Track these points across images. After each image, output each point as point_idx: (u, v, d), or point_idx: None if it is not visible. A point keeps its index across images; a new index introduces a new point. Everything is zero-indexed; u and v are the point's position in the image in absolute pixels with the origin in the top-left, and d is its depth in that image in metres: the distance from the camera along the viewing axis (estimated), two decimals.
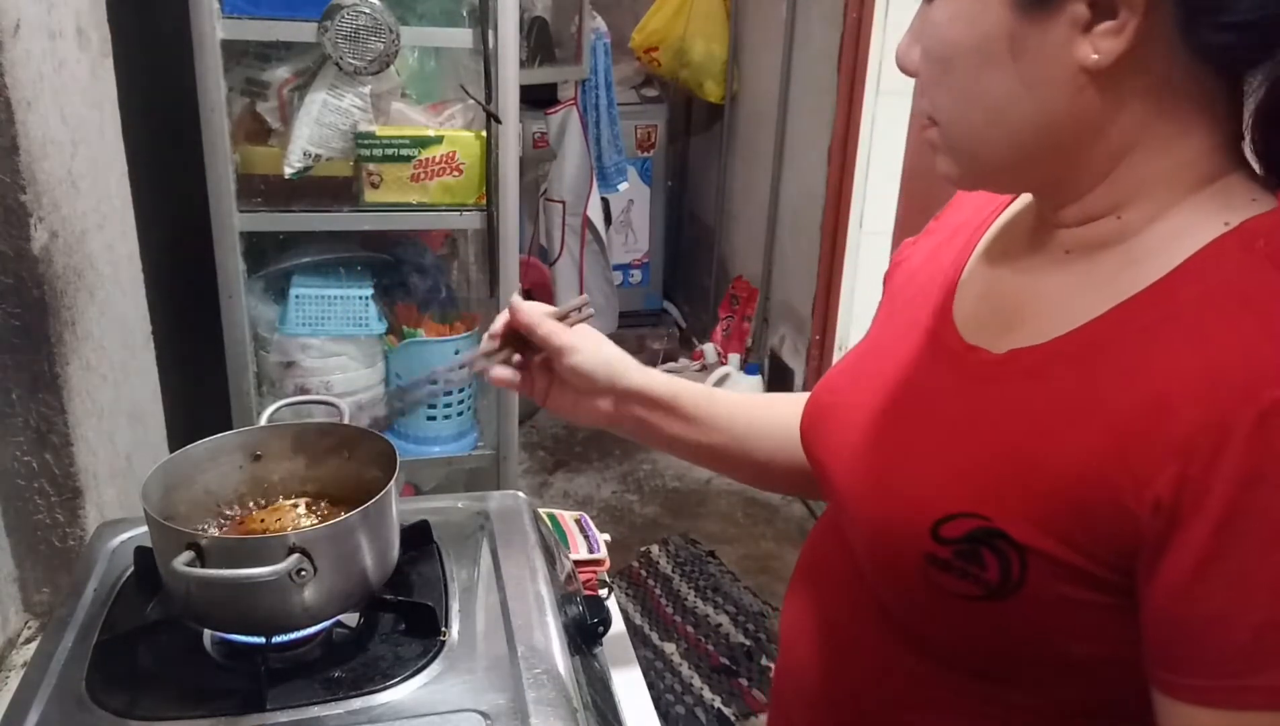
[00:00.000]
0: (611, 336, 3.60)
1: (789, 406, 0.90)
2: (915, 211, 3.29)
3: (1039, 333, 0.63)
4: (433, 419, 1.79)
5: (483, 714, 0.77)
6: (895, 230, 3.08)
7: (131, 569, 0.92)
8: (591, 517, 1.31)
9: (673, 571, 2.75)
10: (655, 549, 2.84)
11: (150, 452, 1.32)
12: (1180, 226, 0.59)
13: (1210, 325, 0.54)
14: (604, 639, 1.01)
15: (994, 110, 0.60)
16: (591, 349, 0.88)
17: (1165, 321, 0.57)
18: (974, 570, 0.59)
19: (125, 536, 0.98)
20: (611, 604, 1.13)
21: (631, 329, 4.00)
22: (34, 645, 0.95)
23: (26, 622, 1.10)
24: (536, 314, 0.88)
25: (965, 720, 0.67)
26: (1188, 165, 0.59)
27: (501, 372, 0.88)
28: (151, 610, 0.88)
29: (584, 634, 0.97)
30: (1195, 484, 0.51)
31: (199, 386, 1.68)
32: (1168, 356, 0.55)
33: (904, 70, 0.65)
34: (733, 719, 2.25)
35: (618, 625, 1.09)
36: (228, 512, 0.94)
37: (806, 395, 0.86)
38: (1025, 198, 0.72)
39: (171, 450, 0.95)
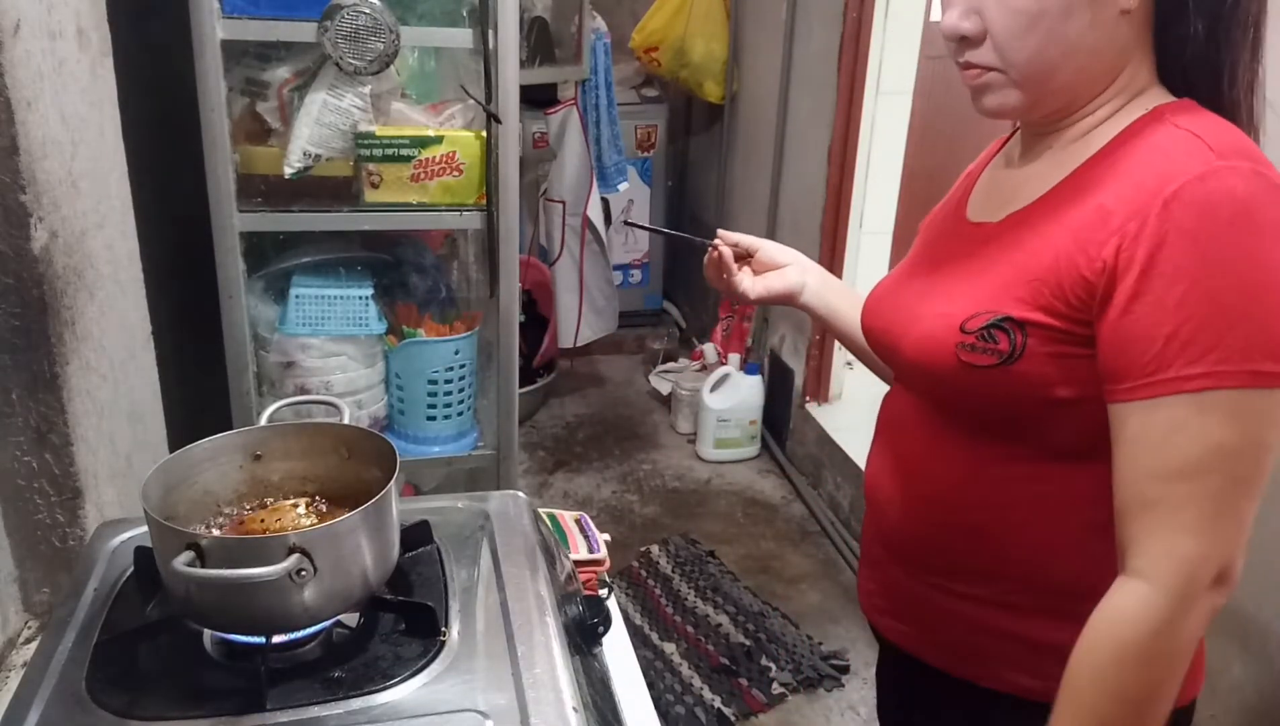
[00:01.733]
0: (612, 337, 3.58)
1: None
2: (915, 211, 3.28)
3: (1026, 200, 0.91)
4: (433, 419, 1.79)
5: (482, 714, 0.77)
6: (895, 230, 3.08)
7: (131, 569, 0.92)
8: (591, 517, 1.31)
9: (673, 571, 2.74)
10: (655, 549, 2.84)
11: (150, 452, 1.32)
12: (1119, 117, 0.88)
13: (1135, 162, 0.83)
14: (604, 639, 1.02)
15: (1069, 46, 0.84)
16: (777, 244, 1.20)
17: (1106, 169, 0.85)
18: (991, 346, 0.86)
19: (125, 536, 0.98)
20: (611, 604, 1.13)
21: (631, 329, 4.00)
22: (34, 645, 0.95)
23: (26, 622, 1.10)
24: (739, 233, 1.20)
25: (1002, 489, 0.92)
26: (1134, 78, 0.87)
27: (726, 251, 1.16)
28: (151, 610, 0.88)
29: (584, 634, 0.97)
30: (1127, 250, 0.79)
31: (199, 386, 1.68)
32: (1107, 185, 0.84)
33: (961, 34, 0.87)
34: (733, 719, 2.25)
35: (618, 625, 1.09)
36: (228, 512, 0.94)
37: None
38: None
39: (171, 450, 0.95)
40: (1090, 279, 0.81)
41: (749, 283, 1.16)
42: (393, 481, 0.86)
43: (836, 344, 3.11)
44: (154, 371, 1.37)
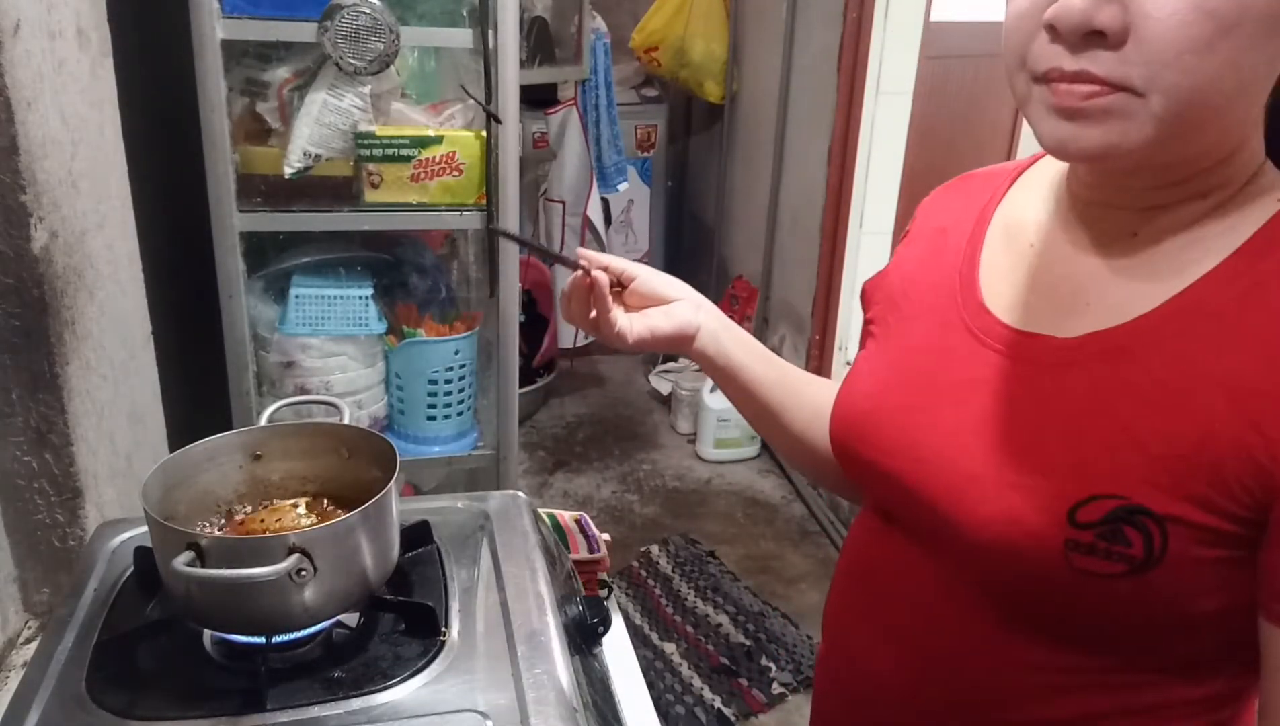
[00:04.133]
0: None
1: (821, 388, 0.93)
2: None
3: (1110, 315, 0.66)
4: (433, 419, 1.79)
5: (482, 714, 0.77)
6: (895, 230, 3.08)
7: (131, 569, 0.92)
8: (591, 517, 1.31)
9: (673, 571, 2.74)
10: (655, 549, 2.84)
11: (150, 452, 1.32)
12: (1241, 203, 0.65)
13: None
14: (604, 639, 1.02)
15: (1245, 75, 0.59)
16: (655, 271, 0.91)
17: (1253, 289, 0.62)
18: (1118, 549, 0.62)
19: (125, 536, 0.98)
20: (611, 604, 1.13)
21: None
22: (34, 645, 0.95)
23: (26, 622, 1.10)
24: (607, 256, 0.90)
25: (1079, 697, 0.69)
26: (1255, 152, 0.65)
27: (602, 277, 0.85)
28: (151, 610, 0.88)
29: (584, 634, 0.97)
30: None
31: (199, 386, 1.68)
32: (1266, 322, 0.61)
33: (1093, 29, 0.58)
34: (733, 719, 2.25)
35: (618, 625, 1.09)
36: (228, 513, 0.94)
37: (795, 367, 0.94)
38: (1036, 186, 0.77)
39: (171, 450, 0.94)
40: (1267, 465, 0.59)
41: (625, 322, 0.86)
42: (392, 481, 0.86)
43: (837, 344, 3.11)
44: (154, 371, 1.37)
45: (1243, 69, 0.58)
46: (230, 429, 0.95)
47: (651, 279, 0.89)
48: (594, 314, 0.86)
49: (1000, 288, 0.74)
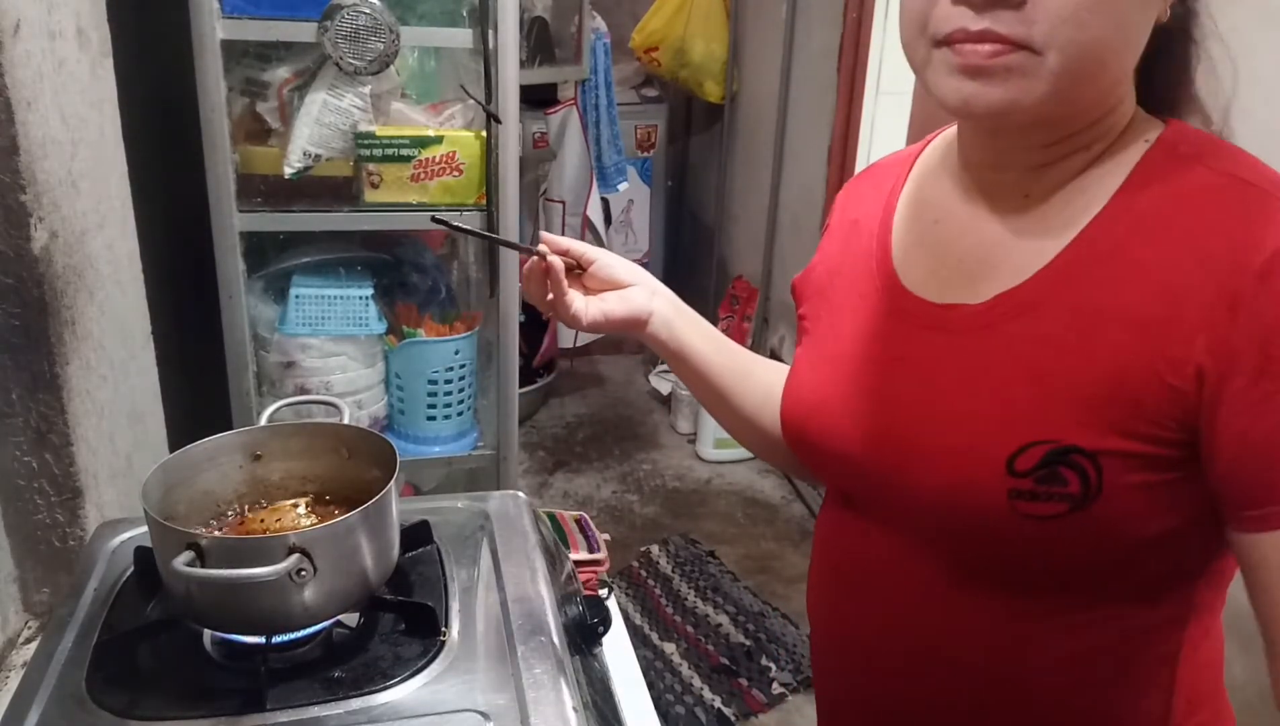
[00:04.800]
0: (610, 336, 3.54)
1: (769, 370, 0.96)
2: None
3: (1014, 275, 0.70)
4: (433, 419, 1.78)
5: (482, 714, 0.77)
6: None
7: (131, 569, 0.92)
8: (591, 517, 1.31)
9: (673, 571, 2.74)
10: (655, 549, 2.84)
11: (150, 453, 1.32)
12: (1116, 151, 0.69)
13: (1177, 221, 0.65)
14: (604, 639, 1.01)
15: (1129, 33, 0.65)
16: (614, 255, 0.93)
17: (1134, 230, 0.66)
18: (1057, 490, 0.65)
19: (125, 536, 0.98)
20: (611, 604, 1.13)
21: None
22: (34, 645, 0.95)
23: (26, 622, 1.10)
24: (567, 239, 0.91)
25: (1044, 643, 0.72)
26: (1129, 104, 0.70)
27: (556, 260, 0.87)
28: (151, 610, 0.88)
29: (584, 634, 0.97)
30: (1223, 346, 0.61)
31: (199, 386, 1.68)
32: (1153, 254, 0.65)
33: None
34: (733, 719, 2.25)
35: (618, 625, 1.09)
36: (228, 513, 0.94)
37: (748, 352, 0.97)
38: (932, 166, 0.82)
39: (171, 450, 0.95)
40: (1181, 387, 0.62)
41: (581, 304, 0.88)
42: (393, 481, 0.86)
43: None
44: (154, 371, 1.37)
45: (1127, 26, 0.64)
46: (230, 429, 0.95)
47: (609, 264, 0.91)
48: (551, 296, 0.88)
49: (914, 266, 0.78)
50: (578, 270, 0.90)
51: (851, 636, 0.84)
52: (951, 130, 0.80)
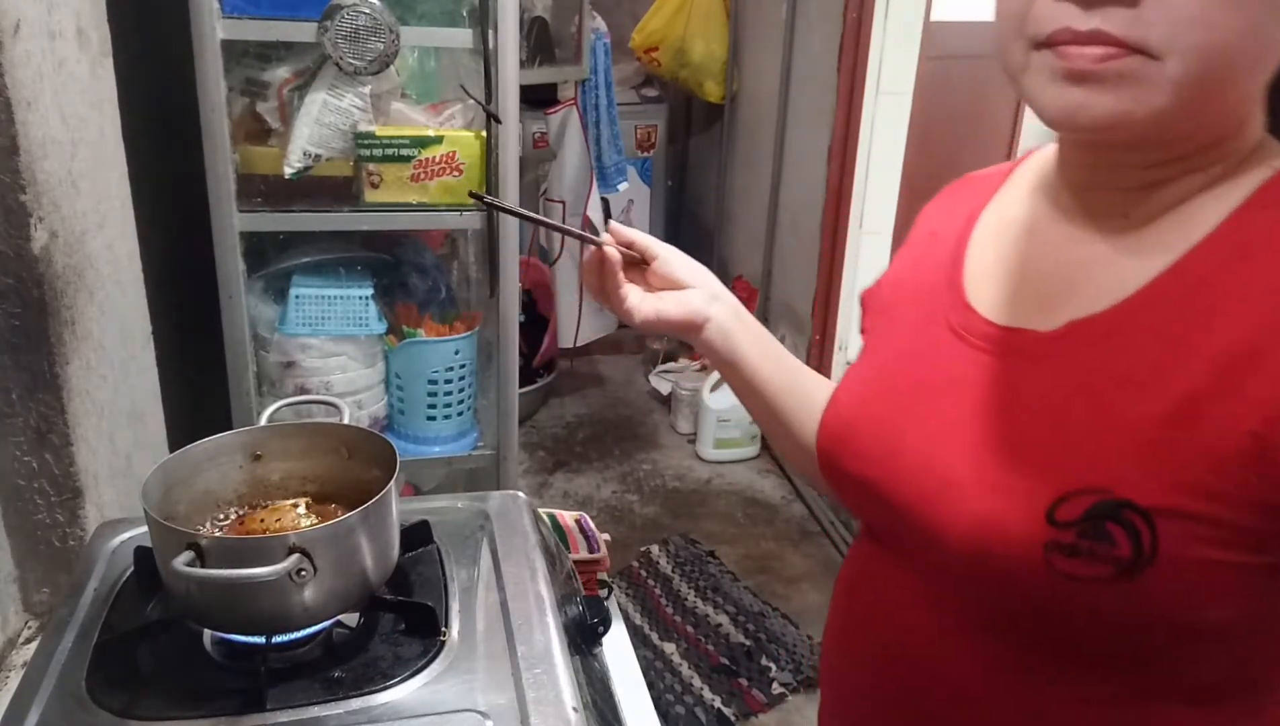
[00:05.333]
0: (610, 336, 3.56)
1: (818, 384, 0.90)
2: (915, 212, 3.29)
3: (1094, 301, 0.63)
4: (433, 419, 1.78)
5: (482, 714, 0.77)
6: (895, 230, 3.08)
7: (131, 569, 0.92)
8: (591, 517, 1.31)
9: (673, 571, 2.74)
10: (655, 549, 2.83)
11: (150, 453, 1.32)
12: (1236, 177, 0.61)
13: None
14: (604, 639, 1.02)
15: (1265, 42, 0.56)
16: (680, 253, 0.88)
17: (1237, 256, 0.58)
18: (1102, 548, 0.56)
19: (125, 536, 0.98)
20: (611, 604, 1.13)
21: (632, 329, 3.99)
22: (34, 645, 0.95)
23: (26, 622, 1.10)
24: (633, 230, 0.88)
25: (1071, 715, 0.64)
26: (1255, 128, 0.62)
27: (613, 252, 0.84)
28: (151, 610, 0.88)
29: (584, 634, 0.97)
30: None
31: (199, 386, 1.68)
32: (1255, 282, 0.57)
33: None
34: (732, 719, 2.25)
35: (618, 625, 1.09)
36: (228, 513, 0.94)
37: (811, 371, 0.90)
38: (1026, 182, 0.74)
39: (171, 450, 0.95)
40: (1267, 437, 0.53)
41: (636, 299, 0.84)
42: (393, 481, 0.86)
43: (837, 344, 3.11)
44: (154, 371, 1.37)
45: (1262, 34, 0.55)
46: (230, 429, 0.95)
47: (671, 262, 0.86)
48: (609, 286, 0.85)
49: (986, 285, 0.71)
50: (642, 264, 0.87)
51: (865, 682, 0.77)
52: (1051, 147, 0.73)
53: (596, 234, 0.85)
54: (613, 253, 0.84)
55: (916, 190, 3.19)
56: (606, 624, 0.99)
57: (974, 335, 0.69)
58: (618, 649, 1.12)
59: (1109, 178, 0.64)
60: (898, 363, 0.75)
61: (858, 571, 0.80)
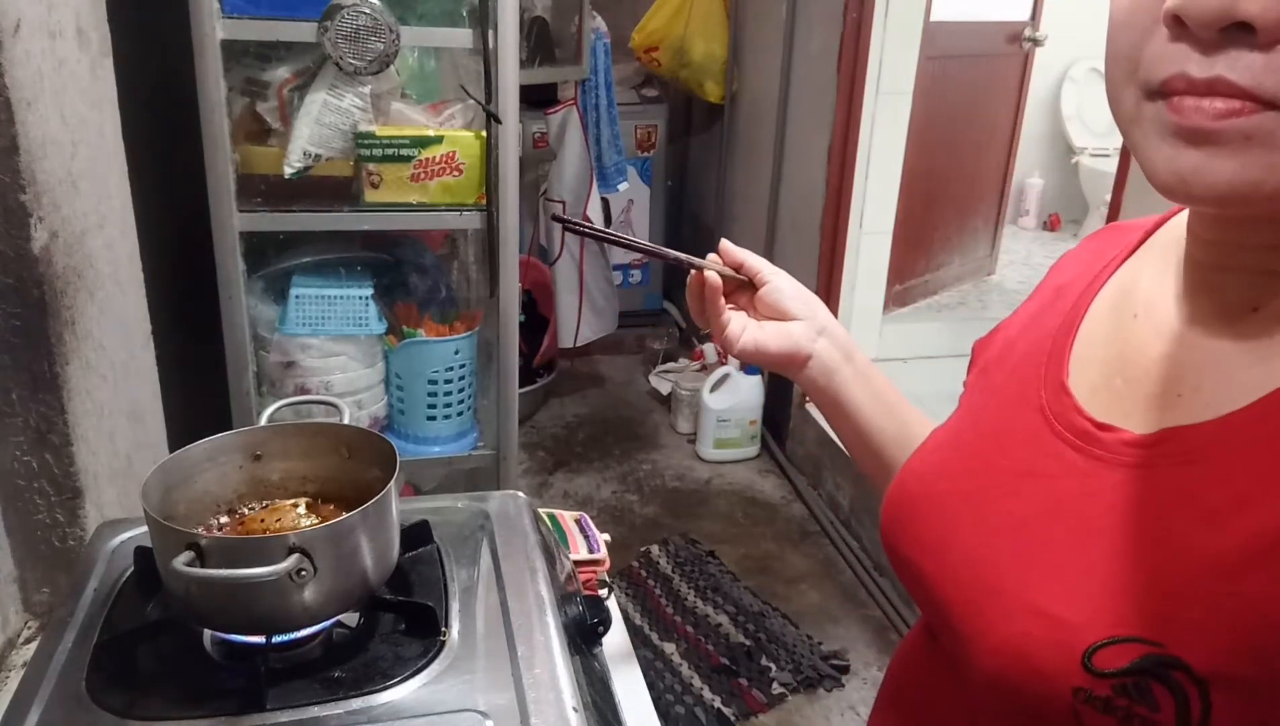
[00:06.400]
0: (611, 337, 3.57)
1: (920, 425, 0.83)
2: (915, 212, 3.30)
3: (1201, 407, 0.53)
4: (433, 419, 1.79)
5: (482, 714, 0.77)
6: (895, 230, 3.08)
7: (131, 569, 0.92)
8: (591, 517, 1.31)
9: (672, 571, 2.74)
10: (655, 549, 2.83)
11: (150, 453, 1.32)
12: None
13: None
14: (604, 639, 1.01)
15: None
16: (791, 280, 0.84)
17: None
18: (1141, 711, 0.48)
19: (125, 536, 0.98)
20: (611, 604, 1.13)
21: (632, 329, 4.00)
22: (34, 645, 0.95)
23: (26, 623, 1.10)
24: (744, 251, 0.84)
25: None
26: None
27: (714, 277, 0.81)
28: (151, 610, 0.88)
29: (584, 634, 0.97)
30: None
31: (199, 386, 1.68)
32: None
33: (1239, 19, 0.43)
34: (732, 719, 2.25)
35: (618, 625, 1.09)
36: (227, 513, 0.94)
37: (927, 423, 0.81)
38: (1162, 246, 0.62)
39: (171, 450, 0.94)
40: None
41: (737, 328, 0.80)
42: (393, 481, 0.86)
43: None
44: (154, 371, 1.37)
45: None
46: (230, 429, 0.95)
47: (781, 290, 0.82)
48: (710, 314, 0.81)
49: (1090, 366, 0.61)
50: (750, 288, 0.83)
51: None
52: None
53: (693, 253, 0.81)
54: (713, 278, 0.80)
55: (916, 190, 3.20)
56: (606, 624, 0.99)
57: (1061, 423, 0.59)
58: (617, 648, 1.12)
59: (1237, 258, 0.53)
60: (978, 437, 0.66)
61: (907, 658, 0.74)
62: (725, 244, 0.84)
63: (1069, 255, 0.74)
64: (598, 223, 3.41)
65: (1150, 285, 0.61)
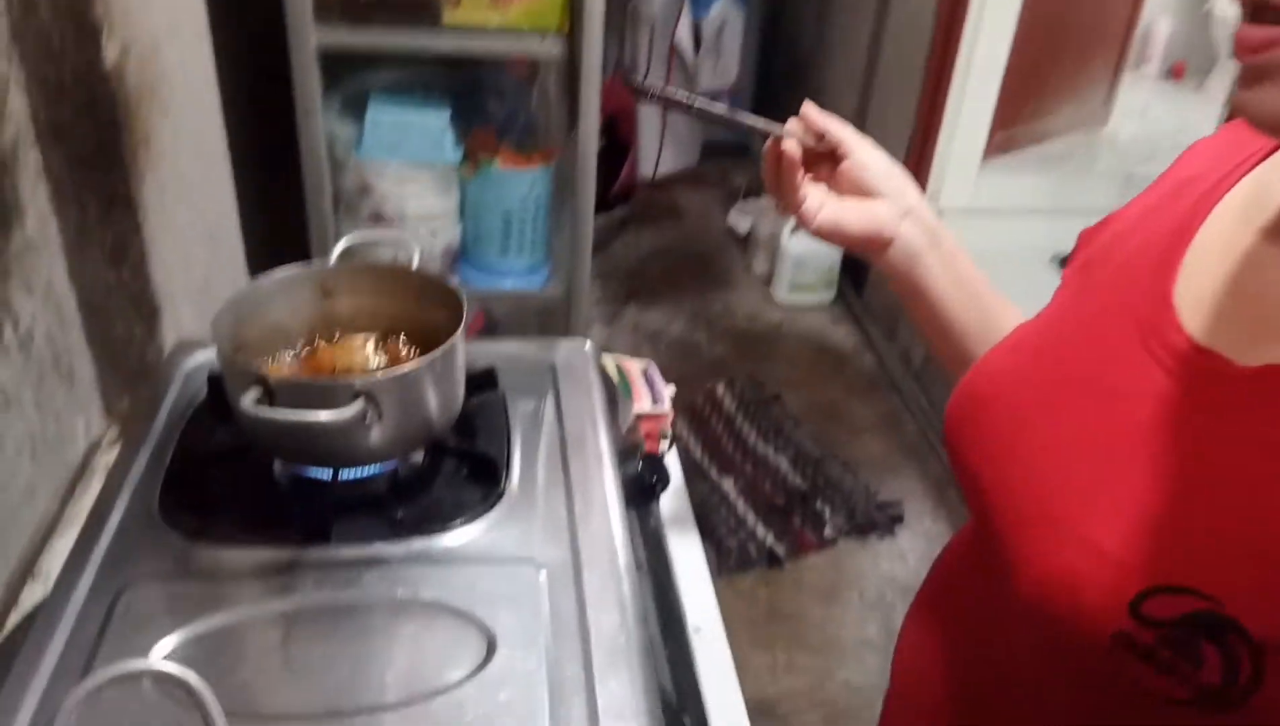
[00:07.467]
0: (693, 169, 3.47)
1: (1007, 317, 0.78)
2: (1030, 51, 3.05)
3: None
4: (505, 252, 1.77)
5: (538, 564, 0.78)
6: (1006, 73, 2.87)
7: (205, 392, 0.94)
8: (659, 351, 1.30)
9: (736, 411, 2.76)
10: (720, 387, 2.84)
11: (228, 274, 1.34)
12: None
13: None
14: (661, 496, 1.02)
15: None
16: (878, 154, 0.78)
17: None
18: (1185, 666, 0.46)
19: (200, 359, 1.00)
20: (672, 458, 1.13)
21: (714, 161, 3.88)
22: (115, 450, 0.99)
23: (109, 428, 1.14)
24: (828, 116, 0.79)
25: None
26: None
27: (793, 147, 0.74)
28: (223, 435, 0.90)
29: (642, 491, 0.98)
30: None
31: (276, 207, 1.68)
32: None
33: None
34: (782, 556, 2.31)
35: (677, 481, 1.10)
36: (300, 344, 0.95)
37: (1015, 315, 0.77)
38: None
39: (250, 271, 0.95)
40: None
41: (815, 202, 0.75)
42: (459, 331, 0.85)
43: (926, 191, 2.97)
44: (230, 191, 1.37)
45: None
46: (309, 251, 0.95)
47: (867, 165, 0.76)
48: (786, 186, 0.75)
49: (1202, 278, 0.55)
50: (830, 159, 0.77)
51: (934, 676, 0.70)
52: None
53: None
54: (791, 147, 0.73)
55: (1036, 26, 2.95)
56: (665, 483, 1.00)
57: (1156, 340, 0.54)
58: (675, 494, 1.13)
59: None
60: (1063, 341, 0.61)
61: (953, 564, 0.73)
62: (809, 107, 0.77)
63: (1201, 143, 0.66)
64: (686, 47, 3.25)
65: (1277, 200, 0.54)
